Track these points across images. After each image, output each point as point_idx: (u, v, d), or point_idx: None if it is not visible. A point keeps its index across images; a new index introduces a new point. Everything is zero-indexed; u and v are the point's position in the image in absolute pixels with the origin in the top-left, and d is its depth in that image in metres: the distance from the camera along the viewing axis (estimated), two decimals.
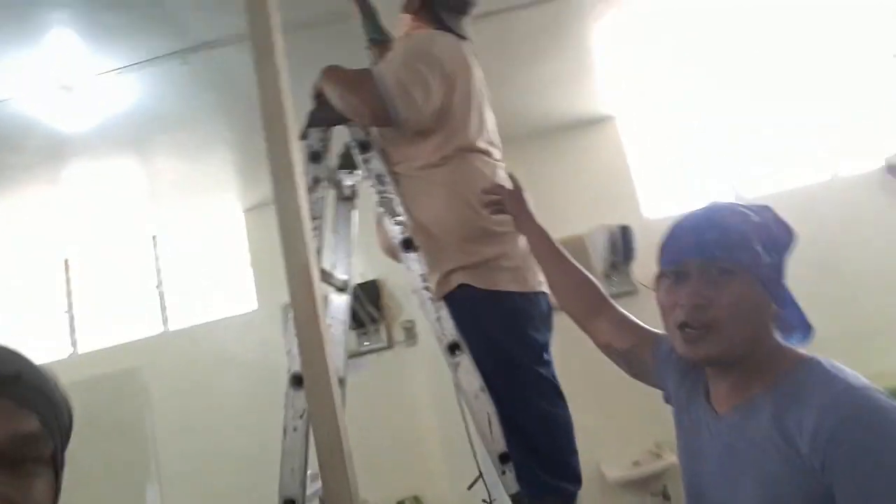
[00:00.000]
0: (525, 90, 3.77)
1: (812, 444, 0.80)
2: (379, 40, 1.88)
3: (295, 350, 1.49)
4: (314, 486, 1.65)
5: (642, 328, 1.23)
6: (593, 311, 1.28)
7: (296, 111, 1.22)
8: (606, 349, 1.26)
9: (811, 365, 0.89)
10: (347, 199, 1.92)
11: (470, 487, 1.57)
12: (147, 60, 2.70)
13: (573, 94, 4.02)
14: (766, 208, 0.99)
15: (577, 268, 1.35)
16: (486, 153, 1.63)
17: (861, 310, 4.04)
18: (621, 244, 3.80)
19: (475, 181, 1.53)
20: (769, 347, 0.94)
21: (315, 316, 0.88)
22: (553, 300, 1.47)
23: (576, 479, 1.50)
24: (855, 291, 4.10)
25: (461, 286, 1.45)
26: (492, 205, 1.46)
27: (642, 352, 1.19)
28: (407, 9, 1.79)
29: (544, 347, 1.52)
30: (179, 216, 4.64)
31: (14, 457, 0.54)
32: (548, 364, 1.51)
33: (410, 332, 4.27)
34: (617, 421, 3.85)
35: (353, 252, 1.87)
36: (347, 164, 1.96)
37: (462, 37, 1.73)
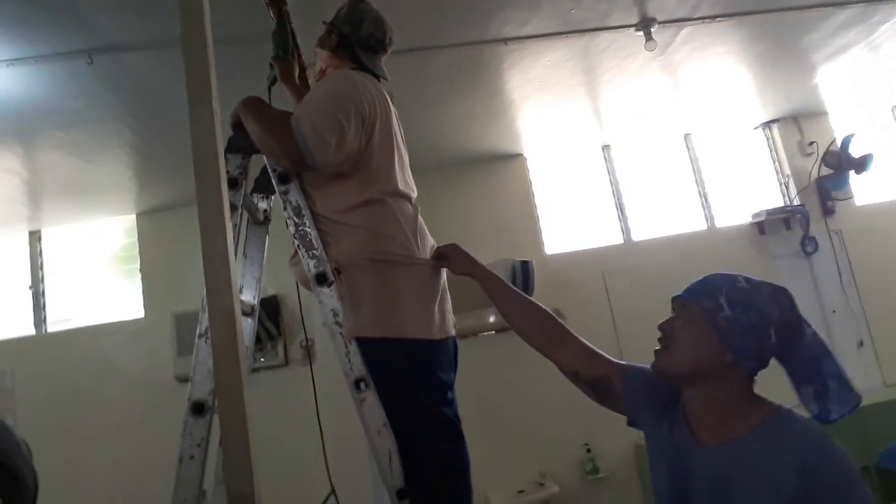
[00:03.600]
0: (438, 125, 3.88)
1: (798, 477, 1.01)
2: (283, 59, 1.86)
3: (199, 378, 1.47)
4: None
5: (610, 360, 1.38)
6: (555, 340, 1.43)
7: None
8: (573, 377, 1.40)
9: (785, 413, 1.12)
10: (261, 223, 1.91)
11: None
12: (50, 55, 2.56)
13: (485, 131, 4.16)
14: (767, 284, 1.17)
15: (532, 302, 1.49)
16: (407, 198, 1.65)
17: None
18: (521, 277, 3.89)
19: (395, 225, 1.56)
20: (744, 396, 1.15)
21: (236, 360, 0.90)
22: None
23: None
24: None
25: (375, 336, 1.46)
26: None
27: (611, 382, 1.35)
28: (323, 45, 1.78)
29: (449, 387, 1.56)
30: (66, 215, 4.37)
31: None
32: (451, 403, 1.55)
33: (309, 351, 4.20)
34: (504, 451, 3.96)
35: (262, 277, 1.86)
36: (262, 187, 1.94)
37: (379, 76, 1.74)
